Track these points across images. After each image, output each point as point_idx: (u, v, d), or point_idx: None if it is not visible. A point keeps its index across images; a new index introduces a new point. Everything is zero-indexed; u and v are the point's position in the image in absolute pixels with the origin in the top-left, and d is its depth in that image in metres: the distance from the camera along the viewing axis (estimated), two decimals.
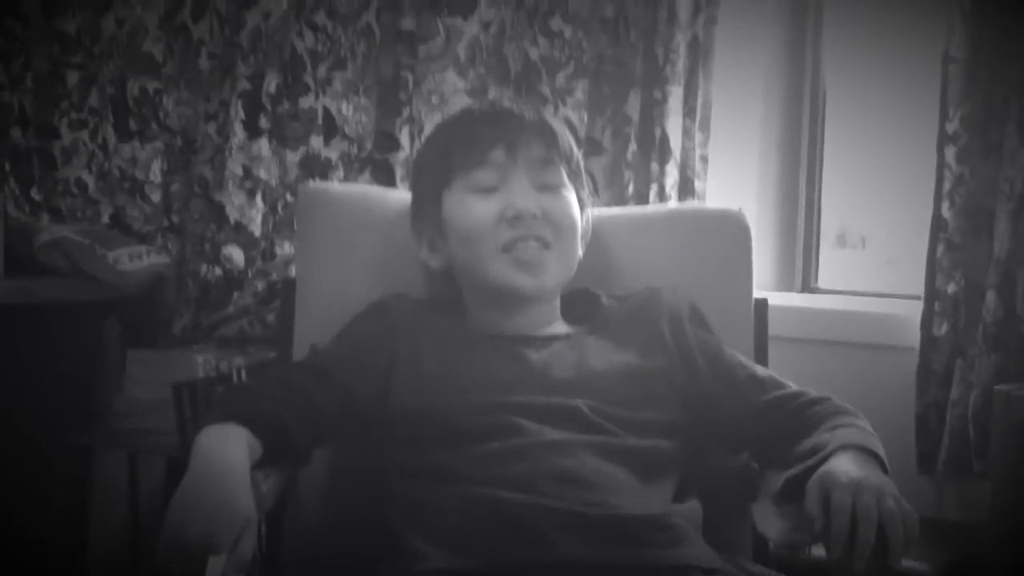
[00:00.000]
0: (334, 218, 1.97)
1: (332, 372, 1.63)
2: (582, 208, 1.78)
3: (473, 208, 1.70)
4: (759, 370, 1.75)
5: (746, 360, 1.77)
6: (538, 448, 1.56)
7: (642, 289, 1.82)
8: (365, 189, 2.48)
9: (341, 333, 1.73)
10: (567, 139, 1.80)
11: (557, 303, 1.79)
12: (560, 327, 1.77)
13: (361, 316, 1.75)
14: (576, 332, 1.76)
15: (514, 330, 1.73)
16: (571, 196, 1.75)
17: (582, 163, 1.83)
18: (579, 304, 1.81)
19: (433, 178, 1.76)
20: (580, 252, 1.77)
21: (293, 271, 2.42)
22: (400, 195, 2.00)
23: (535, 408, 1.61)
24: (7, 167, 3.01)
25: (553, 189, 1.73)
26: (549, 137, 1.76)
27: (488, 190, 1.70)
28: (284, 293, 1.98)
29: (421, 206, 1.79)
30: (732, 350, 1.77)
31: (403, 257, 1.87)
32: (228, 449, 1.42)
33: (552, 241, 1.70)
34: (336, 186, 2.59)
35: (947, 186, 2.45)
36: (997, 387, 2.19)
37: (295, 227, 2.45)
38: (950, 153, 2.45)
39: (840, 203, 3.05)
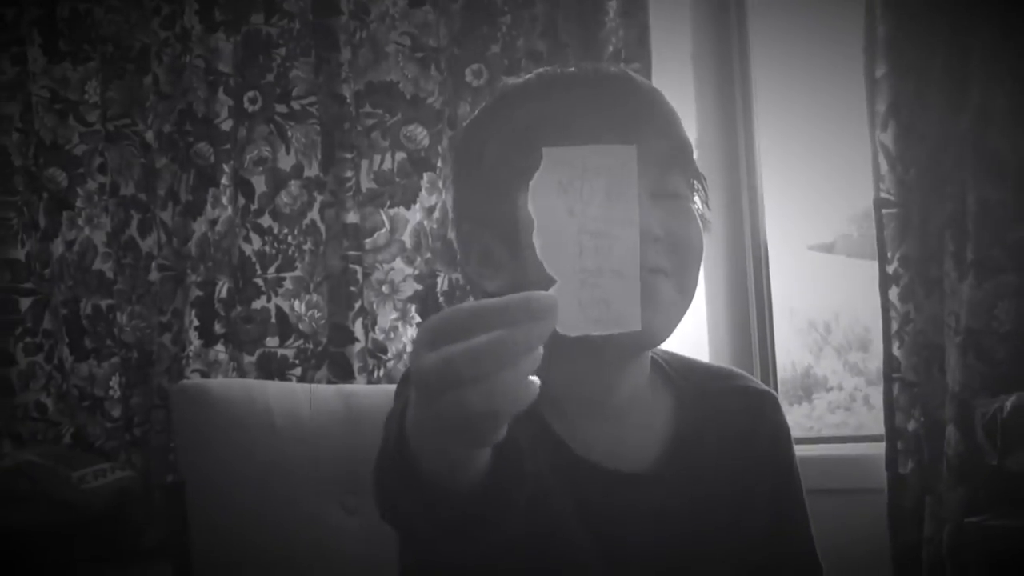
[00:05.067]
0: (216, 416, 1.96)
1: None
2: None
3: None
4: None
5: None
6: None
7: (721, 369, 1.48)
8: (246, 383, 2.47)
9: None
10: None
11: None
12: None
13: None
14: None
15: (616, 408, 1.33)
16: (694, 210, 1.31)
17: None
18: None
19: (505, 170, 1.25)
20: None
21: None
22: (281, 388, 1.99)
23: None
24: None
25: (675, 199, 1.28)
26: (675, 127, 1.30)
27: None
28: (172, 498, 1.93)
29: (477, 205, 1.32)
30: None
31: (291, 450, 1.84)
32: None
33: (672, 270, 1.26)
34: (212, 383, 2.54)
35: (895, 326, 2.49)
36: (967, 520, 2.20)
37: (173, 428, 2.35)
38: (893, 294, 2.50)
39: (796, 350, 3.10)
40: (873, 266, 2.53)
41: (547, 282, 0.88)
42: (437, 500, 0.93)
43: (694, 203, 1.31)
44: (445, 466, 0.90)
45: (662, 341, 1.31)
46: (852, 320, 3.10)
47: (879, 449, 2.50)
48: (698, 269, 1.30)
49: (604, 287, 0.87)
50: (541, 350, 0.83)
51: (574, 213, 0.88)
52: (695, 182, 1.32)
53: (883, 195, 2.51)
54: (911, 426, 2.46)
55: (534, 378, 0.84)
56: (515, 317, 0.81)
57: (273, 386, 2.38)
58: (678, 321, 1.28)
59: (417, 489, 0.93)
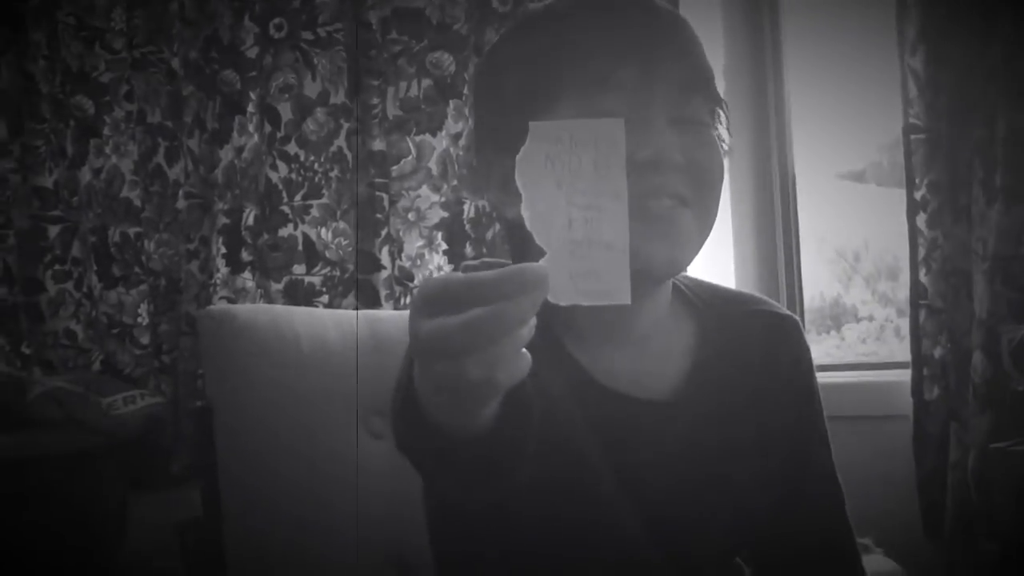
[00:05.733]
0: (241, 341, 1.97)
1: None
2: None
3: None
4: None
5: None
6: None
7: (743, 294, 1.46)
8: (272, 310, 2.48)
9: None
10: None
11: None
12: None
13: None
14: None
15: (638, 335, 1.33)
16: (716, 137, 1.29)
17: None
18: None
19: (523, 97, 1.25)
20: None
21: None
22: (308, 314, 1.99)
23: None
24: None
25: (695, 126, 1.26)
26: (695, 50, 1.27)
27: (601, 114, 1.19)
28: (200, 424, 1.94)
29: (498, 130, 1.30)
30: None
31: (318, 374, 1.85)
32: None
33: (692, 198, 1.24)
34: (240, 308, 2.53)
35: (922, 252, 2.48)
36: (993, 445, 2.20)
37: (201, 355, 2.37)
38: (921, 220, 2.48)
39: (826, 279, 3.09)
40: (903, 195, 2.51)
41: None
42: (445, 446, 0.94)
43: (716, 130, 1.29)
44: (450, 418, 0.91)
45: (682, 270, 1.31)
46: (882, 249, 3.09)
47: (906, 376, 2.49)
48: (718, 197, 1.28)
49: (594, 259, 0.87)
50: (534, 321, 0.84)
51: (562, 186, 0.88)
52: (717, 109, 1.30)
53: (912, 121, 2.49)
54: (937, 352, 2.45)
55: (525, 351, 0.85)
56: (508, 290, 0.82)
57: (300, 312, 2.38)
58: (698, 249, 1.27)
59: (426, 436, 0.94)
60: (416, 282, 2.90)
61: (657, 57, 1.23)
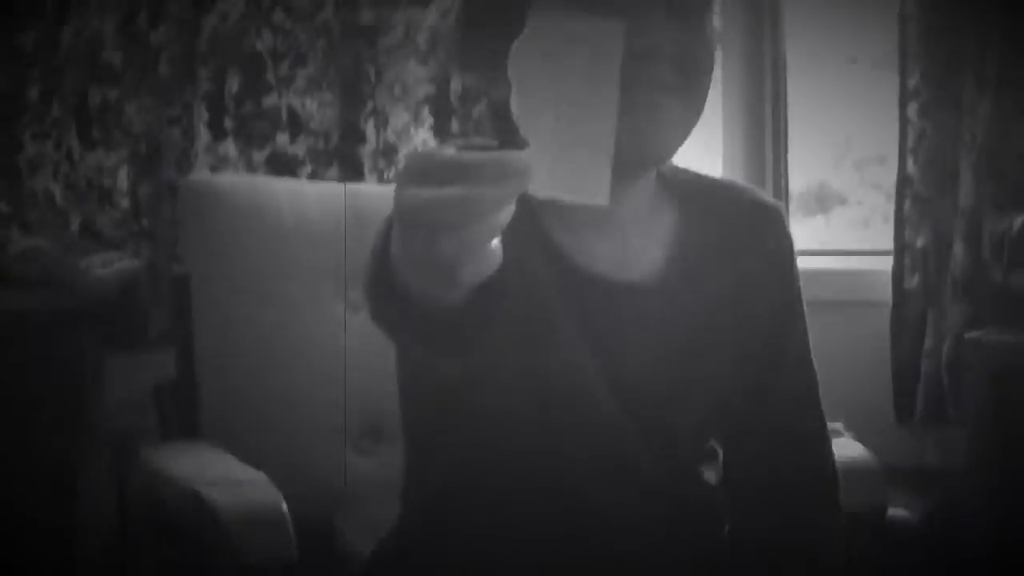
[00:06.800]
0: (222, 211, 1.96)
1: None
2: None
3: None
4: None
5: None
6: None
7: (727, 182, 1.50)
8: (253, 180, 2.48)
9: None
10: None
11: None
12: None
13: None
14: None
15: (620, 220, 1.33)
16: (708, 22, 1.28)
17: None
18: None
19: None
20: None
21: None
22: (289, 185, 2.00)
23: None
24: None
25: (687, 11, 1.25)
26: None
27: (599, 3, 1.15)
28: (177, 290, 1.95)
29: (487, 9, 1.30)
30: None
31: (297, 246, 1.84)
32: None
33: (680, 87, 1.24)
34: (222, 178, 2.54)
35: (911, 142, 2.47)
36: (967, 335, 2.21)
37: (180, 223, 2.38)
38: (912, 109, 2.48)
39: (815, 164, 3.08)
40: (896, 81, 2.50)
41: None
42: (415, 314, 0.95)
43: (709, 15, 1.28)
44: (420, 288, 0.91)
45: (668, 158, 1.31)
46: (874, 136, 3.06)
47: (888, 263, 2.50)
48: (707, 86, 1.27)
49: (577, 158, 0.87)
50: (512, 208, 0.84)
51: (554, 82, 0.87)
52: None
53: (908, 8, 2.47)
54: (920, 241, 2.46)
55: (497, 243, 0.86)
56: (490, 174, 0.82)
57: (281, 184, 2.38)
58: (683, 139, 1.28)
59: (397, 304, 0.96)
60: (400, 156, 2.88)
61: None
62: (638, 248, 1.35)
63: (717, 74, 1.30)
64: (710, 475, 1.47)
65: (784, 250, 1.42)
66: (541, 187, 0.86)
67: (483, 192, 0.82)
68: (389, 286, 0.96)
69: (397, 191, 0.85)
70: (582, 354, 1.29)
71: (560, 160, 0.87)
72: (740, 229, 1.40)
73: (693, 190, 1.41)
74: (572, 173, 0.87)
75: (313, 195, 2.25)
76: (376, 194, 2.33)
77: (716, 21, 1.30)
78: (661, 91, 1.22)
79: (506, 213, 0.84)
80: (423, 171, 0.84)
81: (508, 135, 1.23)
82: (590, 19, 0.88)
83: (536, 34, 0.88)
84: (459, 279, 0.87)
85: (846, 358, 1.72)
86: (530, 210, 0.85)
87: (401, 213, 0.85)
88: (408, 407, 1.41)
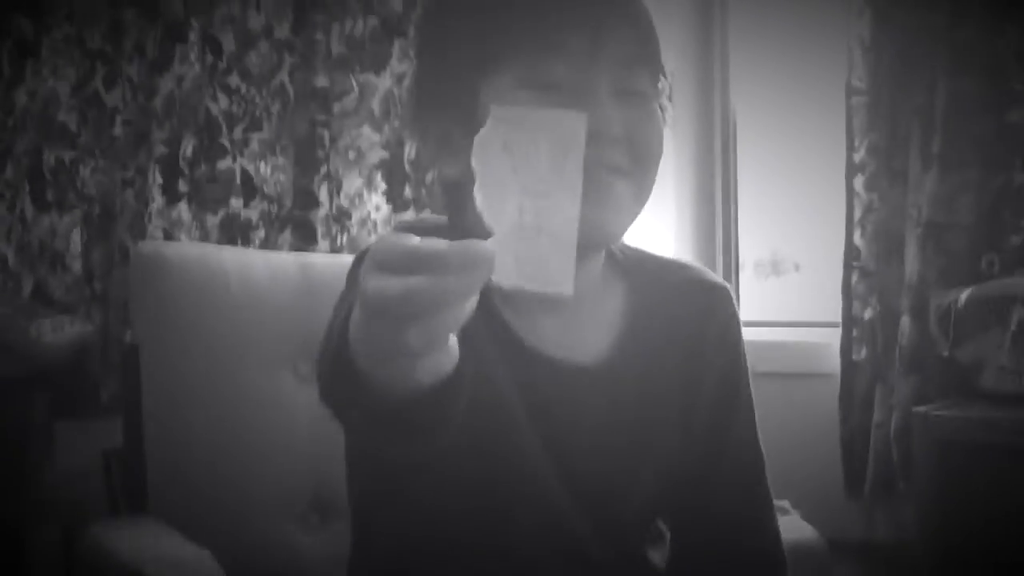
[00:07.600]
0: (170, 281, 1.97)
1: None
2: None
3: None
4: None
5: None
6: None
7: (675, 261, 1.45)
8: (203, 249, 2.48)
9: None
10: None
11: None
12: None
13: None
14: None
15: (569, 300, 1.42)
16: (658, 110, 1.28)
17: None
18: None
19: (468, 55, 1.24)
20: None
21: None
22: (239, 254, 2.00)
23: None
24: None
25: (638, 98, 1.25)
26: (645, 22, 1.26)
27: (550, 87, 1.19)
28: (127, 360, 1.96)
29: (437, 87, 1.29)
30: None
31: (247, 317, 1.85)
32: None
33: (630, 169, 1.24)
34: (171, 247, 2.50)
35: (858, 214, 2.51)
36: (915, 408, 2.23)
37: (130, 291, 2.37)
38: (859, 182, 2.51)
39: (765, 233, 3.11)
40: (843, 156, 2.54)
41: None
42: (371, 402, 0.94)
43: (658, 102, 1.29)
44: (380, 376, 0.91)
45: (616, 240, 1.32)
46: (822, 203, 3.10)
47: (836, 336, 2.52)
48: (656, 170, 1.27)
49: (540, 247, 0.88)
50: (476, 298, 0.84)
51: (517, 172, 0.88)
52: (661, 78, 1.29)
53: (855, 83, 2.51)
54: (867, 314, 2.48)
55: (454, 338, 0.86)
56: (454, 263, 0.82)
57: (231, 252, 2.38)
58: (632, 221, 1.28)
59: (353, 388, 0.94)
60: (353, 221, 2.89)
61: (607, 26, 1.21)
62: (586, 329, 1.34)
63: (668, 156, 1.31)
64: (657, 556, 1.48)
65: (732, 331, 1.43)
66: (505, 277, 0.87)
67: (449, 282, 0.82)
68: (345, 371, 0.94)
69: (363, 279, 0.84)
70: (531, 439, 1.28)
71: (524, 249, 0.87)
72: (688, 310, 1.39)
73: (642, 269, 1.41)
74: (536, 263, 0.88)
75: (262, 265, 2.25)
76: (326, 264, 2.33)
77: (667, 104, 1.31)
78: (613, 173, 1.22)
79: (471, 303, 0.84)
80: (388, 260, 0.83)
81: (458, 209, 1.28)
82: (553, 110, 0.90)
83: (499, 124, 0.88)
84: (419, 370, 0.87)
85: (796, 430, 1.73)
86: (482, 291, 0.86)
87: (366, 302, 0.84)
88: (354, 486, 1.40)
